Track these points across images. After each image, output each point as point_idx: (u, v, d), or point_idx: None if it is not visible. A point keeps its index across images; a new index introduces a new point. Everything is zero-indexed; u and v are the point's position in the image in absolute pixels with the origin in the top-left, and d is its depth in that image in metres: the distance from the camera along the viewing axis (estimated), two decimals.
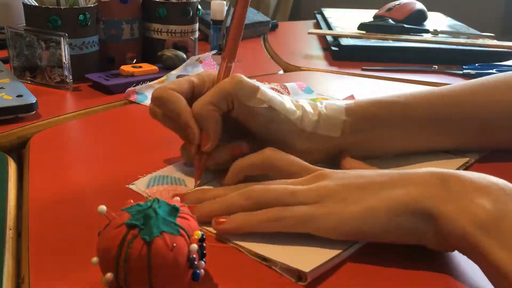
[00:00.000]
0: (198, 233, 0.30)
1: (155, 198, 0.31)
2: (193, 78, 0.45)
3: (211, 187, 0.44)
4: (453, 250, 0.35)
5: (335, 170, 0.38)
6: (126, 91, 0.68)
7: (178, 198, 0.32)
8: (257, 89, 0.43)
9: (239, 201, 0.37)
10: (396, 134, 0.48)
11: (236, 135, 0.45)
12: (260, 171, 0.41)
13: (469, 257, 0.33)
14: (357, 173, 0.38)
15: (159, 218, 0.29)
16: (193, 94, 0.44)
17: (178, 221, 0.30)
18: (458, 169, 0.48)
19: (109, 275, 0.28)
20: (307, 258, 0.33)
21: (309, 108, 0.46)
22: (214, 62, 0.81)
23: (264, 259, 0.34)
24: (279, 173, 0.40)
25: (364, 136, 0.47)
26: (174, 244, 0.28)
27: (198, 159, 0.43)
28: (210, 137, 0.42)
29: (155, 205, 0.30)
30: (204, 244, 0.31)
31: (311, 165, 0.40)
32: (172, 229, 0.29)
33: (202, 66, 0.79)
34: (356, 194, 0.35)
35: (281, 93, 0.68)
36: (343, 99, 0.68)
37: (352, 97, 0.70)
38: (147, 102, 0.67)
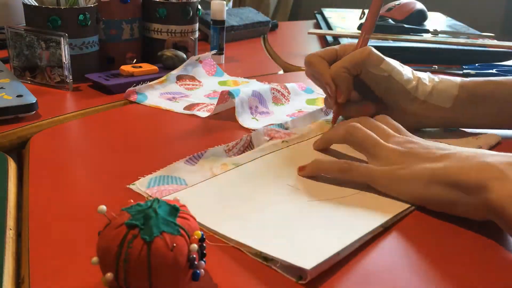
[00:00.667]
0: (198, 233, 0.30)
1: (155, 198, 0.31)
2: (337, 47, 0.58)
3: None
4: (484, 219, 0.38)
5: (412, 139, 0.45)
6: (127, 91, 0.68)
7: (178, 198, 0.32)
8: (381, 60, 0.54)
9: (340, 130, 0.47)
10: (492, 112, 0.55)
11: (365, 96, 0.57)
12: (342, 142, 0.49)
13: (500, 224, 0.36)
14: (424, 145, 0.43)
15: (159, 218, 0.29)
16: (336, 59, 0.56)
17: (178, 221, 0.30)
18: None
19: (109, 275, 0.28)
20: (307, 256, 0.33)
21: (425, 80, 0.55)
22: (214, 62, 0.81)
23: (265, 259, 0.34)
24: (357, 146, 0.47)
25: (471, 111, 0.54)
26: (174, 244, 0.28)
27: (335, 109, 0.56)
28: (343, 92, 0.54)
29: (155, 205, 0.30)
30: (204, 244, 0.31)
31: (382, 142, 0.45)
32: (172, 229, 0.29)
33: (202, 66, 0.79)
34: (412, 161, 0.41)
35: (282, 93, 0.69)
36: None
37: None
38: (147, 102, 0.67)
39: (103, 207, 0.30)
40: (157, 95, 0.69)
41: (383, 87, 0.54)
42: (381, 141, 0.45)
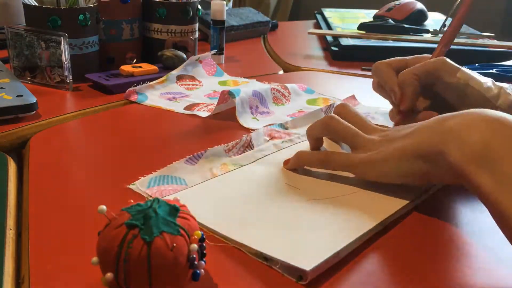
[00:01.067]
0: (198, 233, 0.30)
1: (155, 198, 0.31)
2: (408, 58, 0.57)
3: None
4: (458, 184, 0.37)
5: (391, 128, 0.46)
6: (127, 91, 0.68)
7: (178, 198, 0.32)
8: (457, 69, 0.53)
9: (319, 122, 0.48)
10: None
11: (433, 107, 0.55)
12: (322, 134, 0.49)
13: (467, 187, 0.36)
14: (399, 127, 0.44)
15: (159, 218, 0.29)
16: (405, 68, 0.54)
17: (178, 221, 0.29)
18: None
19: (109, 275, 0.28)
20: (307, 256, 0.33)
21: (508, 90, 0.52)
22: (214, 62, 0.81)
23: (265, 259, 0.34)
24: (337, 137, 0.48)
25: None
26: (174, 244, 0.28)
27: (397, 119, 0.55)
28: (408, 98, 0.53)
29: (155, 205, 0.30)
30: (204, 244, 0.31)
31: (361, 133, 0.45)
32: (172, 229, 0.29)
33: (202, 66, 0.79)
34: (385, 145, 0.42)
35: (282, 93, 0.68)
36: (343, 100, 0.68)
37: (353, 97, 0.69)
38: (148, 102, 0.67)
39: (103, 207, 0.30)
40: (158, 95, 0.69)
41: (459, 96, 0.52)
42: (360, 132, 0.45)
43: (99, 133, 0.57)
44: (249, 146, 0.52)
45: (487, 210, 0.34)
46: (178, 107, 0.65)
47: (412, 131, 0.41)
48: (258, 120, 0.61)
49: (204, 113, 0.63)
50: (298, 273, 0.33)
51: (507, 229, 0.32)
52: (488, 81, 0.53)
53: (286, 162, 0.48)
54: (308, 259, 0.33)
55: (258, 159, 0.50)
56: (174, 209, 0.30)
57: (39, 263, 0.34)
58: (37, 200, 0.42)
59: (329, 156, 0.45)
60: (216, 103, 0.61)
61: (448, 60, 0.54)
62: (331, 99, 0.70)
